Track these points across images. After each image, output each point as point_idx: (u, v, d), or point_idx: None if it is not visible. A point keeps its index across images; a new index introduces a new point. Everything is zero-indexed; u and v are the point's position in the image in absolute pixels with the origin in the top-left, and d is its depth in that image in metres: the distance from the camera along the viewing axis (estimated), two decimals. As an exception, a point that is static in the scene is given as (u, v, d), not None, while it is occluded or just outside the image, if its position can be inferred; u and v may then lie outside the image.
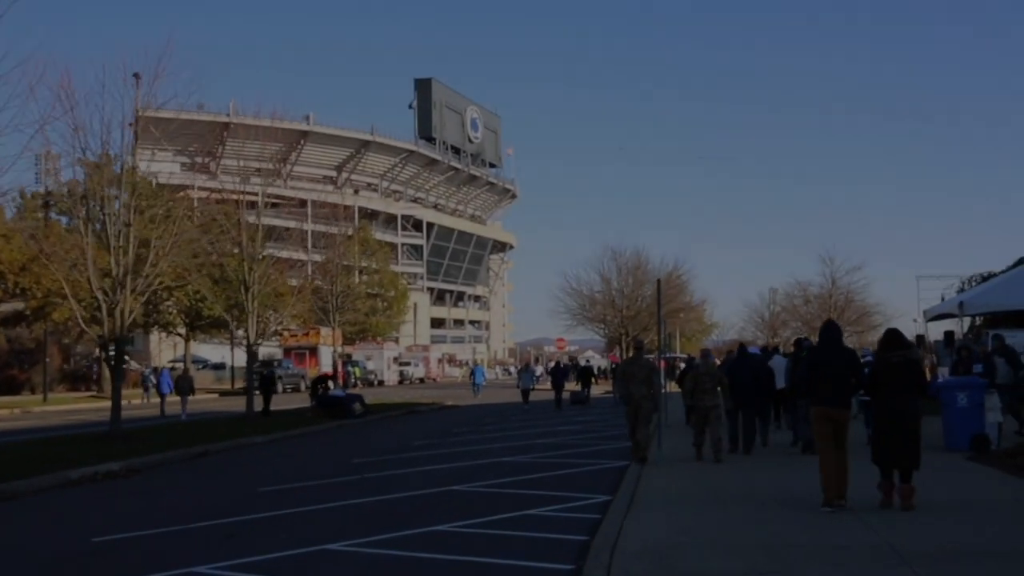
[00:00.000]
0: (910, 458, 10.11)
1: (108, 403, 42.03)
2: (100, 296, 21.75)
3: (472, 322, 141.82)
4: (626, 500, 11.17)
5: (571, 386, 45.06)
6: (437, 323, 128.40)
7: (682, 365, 31.53)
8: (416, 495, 12.82)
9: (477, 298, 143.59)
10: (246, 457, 19.41)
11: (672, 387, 26.24)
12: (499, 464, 16.63)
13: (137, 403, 41.39)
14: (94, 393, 48.81)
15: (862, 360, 14.22)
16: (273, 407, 31.33)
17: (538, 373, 46.24)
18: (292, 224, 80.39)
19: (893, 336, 10.69)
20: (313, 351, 57.93)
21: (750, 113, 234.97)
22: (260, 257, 28.62)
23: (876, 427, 10.52)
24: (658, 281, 14.60)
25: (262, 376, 30.75)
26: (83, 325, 24.59)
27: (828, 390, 10.37)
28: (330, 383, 33.43)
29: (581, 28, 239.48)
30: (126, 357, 77.33)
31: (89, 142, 21.05)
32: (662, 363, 18.77)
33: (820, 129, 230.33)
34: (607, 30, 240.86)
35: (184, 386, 35.01)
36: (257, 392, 30.82)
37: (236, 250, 29.23)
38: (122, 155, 21.66)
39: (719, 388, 15.84)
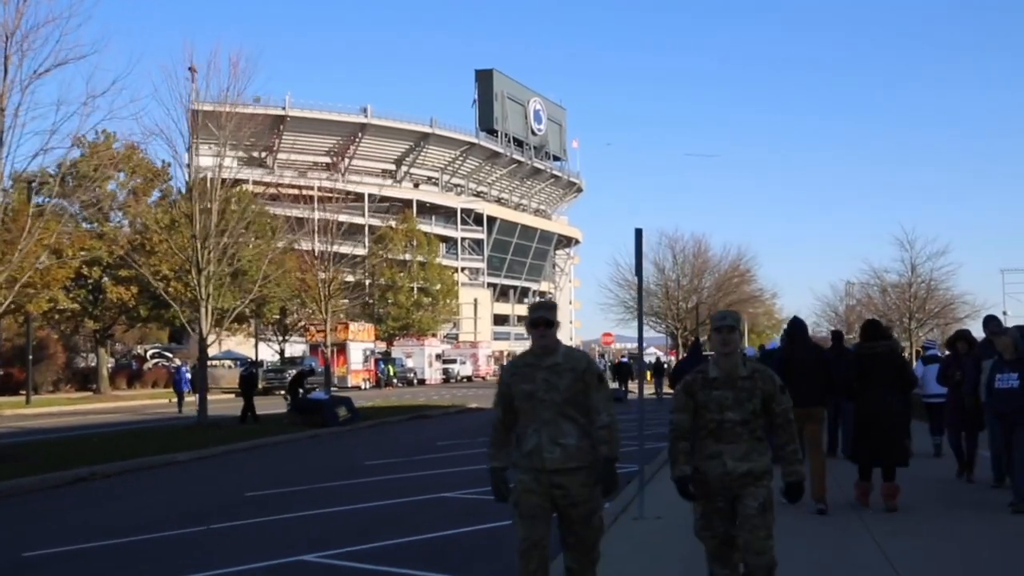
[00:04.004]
0: (897, 454, 9.81)
1: (105, 404, 39.45)
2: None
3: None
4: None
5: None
6: (501, 320, 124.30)
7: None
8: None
9: (542, 294, 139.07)
10: (131, 484, 15.16)
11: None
12: (435, 504, 12.04)
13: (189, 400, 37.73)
14: (90, 393, 45.42)
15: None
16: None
17: None
18: (357, 219, 77.10)
19: (874, 326, 10.65)
20: (342, 348, 54.03)
21: (819, 95, 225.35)
22: (216, 238, 24.19)
23: (858, 422, 10.09)
24: (637, 231, 9.78)
25: (241, 375, 26.69)
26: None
27: (802, 388, 9.51)
28: (308, 383, 29.15)
29: (646, 16, 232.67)
30: (169, 355, 75.05)
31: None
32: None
33: (889, 111, 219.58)
34: (673, 17, 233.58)
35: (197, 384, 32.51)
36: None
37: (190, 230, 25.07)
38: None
39: (775, 422, 5.75)
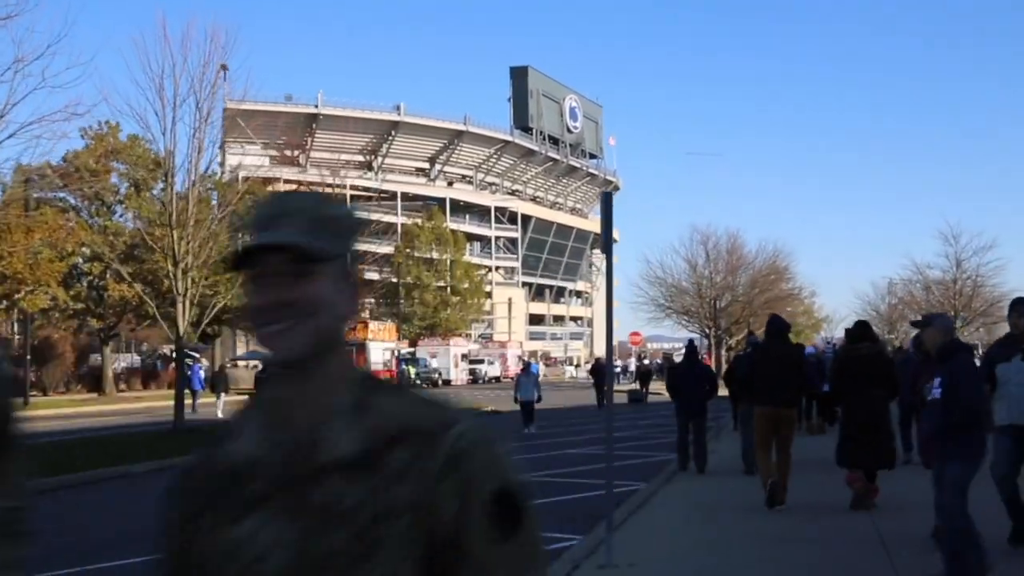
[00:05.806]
0: (882, 457, 9.60)
1: (107, 407, 38.23)
2: None
3: (574, 319, 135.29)
4: None
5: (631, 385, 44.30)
6: (536, 320, 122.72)
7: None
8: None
9: (579, 294, 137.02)
10: (58, 504, 13.57)
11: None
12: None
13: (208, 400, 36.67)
14: (96, 395, 44.29)
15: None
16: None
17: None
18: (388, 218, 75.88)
19: (861, 328, 10.46)
20: (361, 347, 52.34)
21: (864, 89, 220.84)
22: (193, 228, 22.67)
23: (843, 424, 9.90)
24: (604, 195, 8.01)
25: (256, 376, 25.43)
26: None
27: (770, 389, 9.95)
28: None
29: (683, 12, 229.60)
30: (195, 355, 74.45)
31: None
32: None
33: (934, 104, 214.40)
34: (709, 13, 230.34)
35: (218, 384, 34.17)
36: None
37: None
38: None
39: None
